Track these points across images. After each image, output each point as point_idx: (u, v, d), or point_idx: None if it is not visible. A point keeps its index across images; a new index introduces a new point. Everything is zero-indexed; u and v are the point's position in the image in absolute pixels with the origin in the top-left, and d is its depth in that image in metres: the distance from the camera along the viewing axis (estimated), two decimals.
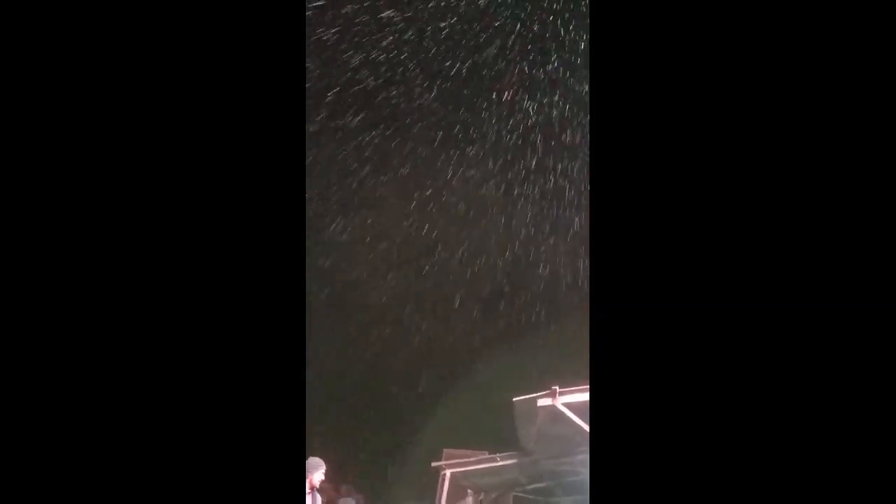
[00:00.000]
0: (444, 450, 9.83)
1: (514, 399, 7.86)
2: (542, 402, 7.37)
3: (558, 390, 7.36)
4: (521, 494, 10.27)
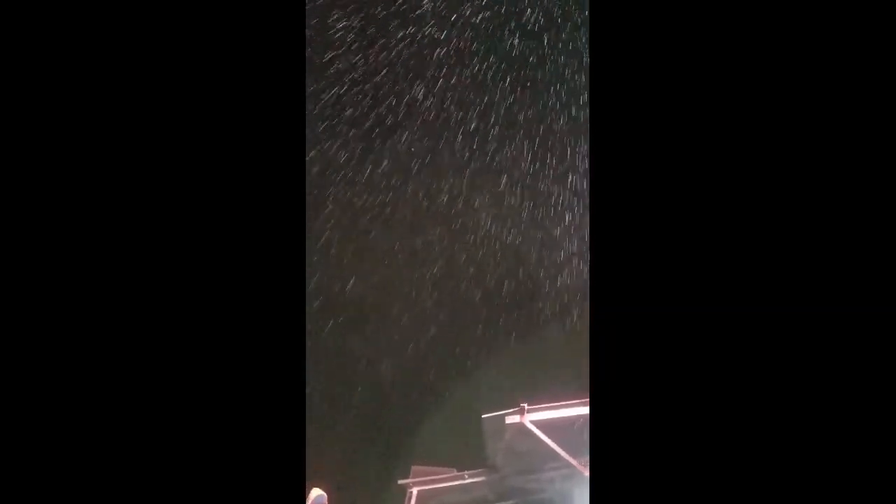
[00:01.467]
0: (412, 466, 9.74)
1: (483, 416, 7.86)
2: (510, 420, 7.40)
3: (526, 408, 7.39)
4: None
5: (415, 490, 9.21)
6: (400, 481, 9.36)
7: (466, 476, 8.89)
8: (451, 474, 9.12)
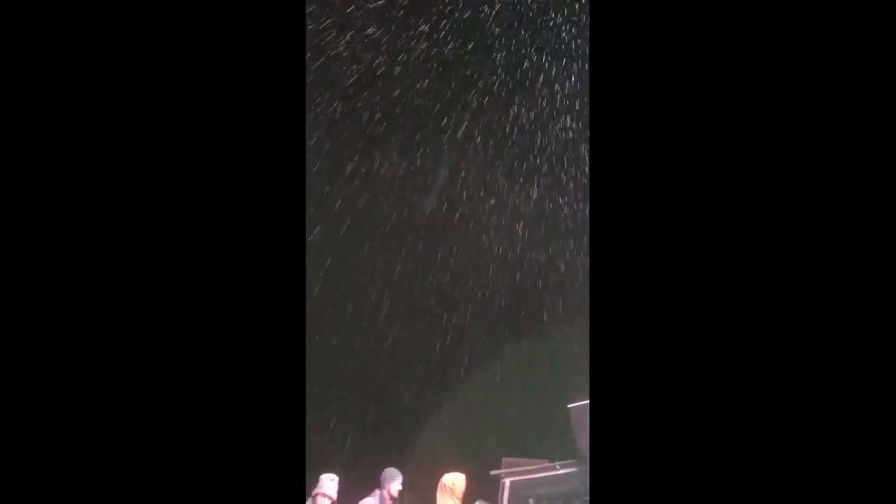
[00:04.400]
0: (503, 458, 9.80)
1: (569, 406, 7.82)
2: None
3: None
4: None
5: (507, 481, 9.23)
6: (492, 472, 9.43)
7: (558, 467, 8.85)
8: (543, 465, 9.10)
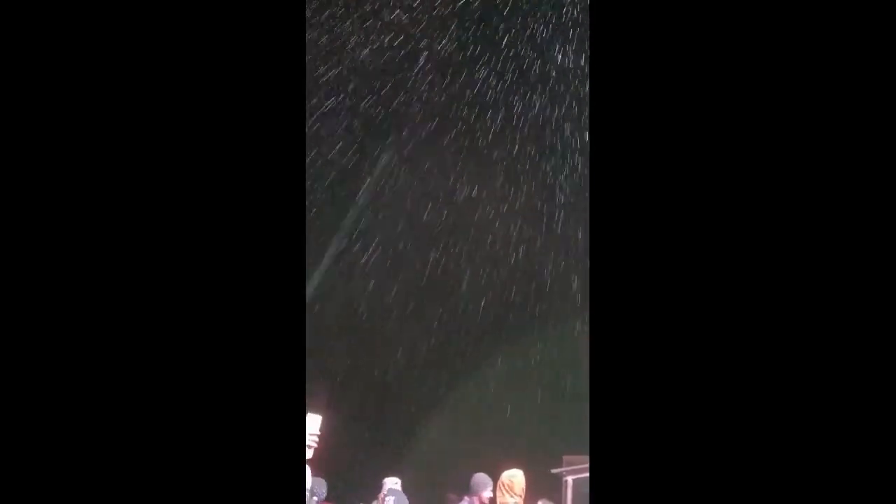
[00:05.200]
0: (564, 456, 9.76)
1: None
2: None
3: None
4: None
5: (570, 479, 9.18)
6: (553, 470, 9.38)
7: None
8: None
